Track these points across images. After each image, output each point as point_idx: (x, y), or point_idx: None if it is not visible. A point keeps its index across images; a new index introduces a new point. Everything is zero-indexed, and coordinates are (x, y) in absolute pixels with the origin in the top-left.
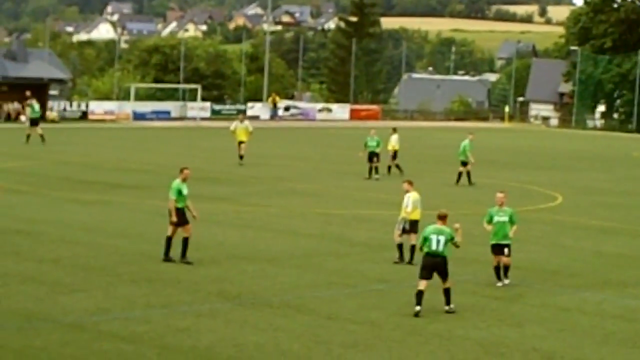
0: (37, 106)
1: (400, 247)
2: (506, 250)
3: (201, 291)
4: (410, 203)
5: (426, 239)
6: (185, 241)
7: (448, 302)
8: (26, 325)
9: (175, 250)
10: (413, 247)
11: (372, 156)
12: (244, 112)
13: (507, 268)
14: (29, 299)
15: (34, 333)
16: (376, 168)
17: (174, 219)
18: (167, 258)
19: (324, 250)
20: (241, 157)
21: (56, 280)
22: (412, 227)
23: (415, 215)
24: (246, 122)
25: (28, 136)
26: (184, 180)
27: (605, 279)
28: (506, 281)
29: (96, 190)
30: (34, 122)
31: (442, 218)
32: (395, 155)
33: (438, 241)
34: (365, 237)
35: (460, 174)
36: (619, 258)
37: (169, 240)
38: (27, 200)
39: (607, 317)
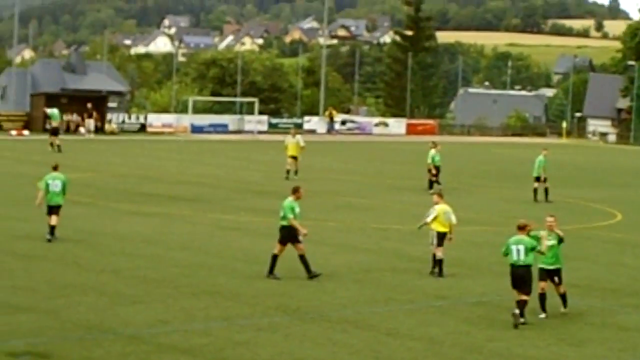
0: (56, 112)
1: (434, 258)
2: (556, 278)
3: (260, 305)
4: (432, 214)
5: (508, 251)
6: (302, 258)
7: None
8: (87, 336)
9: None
10: (437, 260)
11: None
12: (295, 126)
13: (563, 296)
14: (90, 310)
15: (94, 344)
16: (431, 180)
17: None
18: (271, 275)
19: (382, 266)
20: (290, 172)
21: (116, 292)
22: (440, 239)
23: (443, 228)
24: (298, 137)
25: (57, 145)
26: (297, 199)
27: None
28: (563, 310)
29: (155, 202)
30: (54, 132)
31: (522, 228)
32: (436, 170)
33: (518, 251)
34: (423, 252)
35: (536, 190)
36: None
37: (274, 257)
38: (87, 212)
39: None
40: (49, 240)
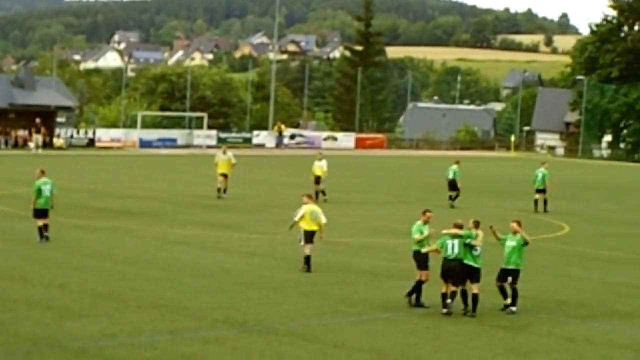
0: None
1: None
2: (510, 278)
3: (207, 318)
4: (299, 213)
5: (443, 245)
6: (419, 285)
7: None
8: (33, 351)
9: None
10: (305, 257)
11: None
12: (225, 142)
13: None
14: (36, 324)
15: (40, 358)
16: (450, 196)
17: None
18: (417, 304)
19: (330, 279)
20: (223, 190)
21: (63, 306)
22: (307, 237)
23: (310, 227)
24: (229, 153)
25: None
26: (425, 222)
27: (612, 309)
28: (513, 309)
29: (103, 216)
30: None
31: (458, 227)
32: (318, 180)
33: (453, 245)
34: (371, 265)
35: (537, 202)
36: (626, 288)
37: (419, 284)
38: (34, 226)
39: (615, 347)
40: (47, 238)
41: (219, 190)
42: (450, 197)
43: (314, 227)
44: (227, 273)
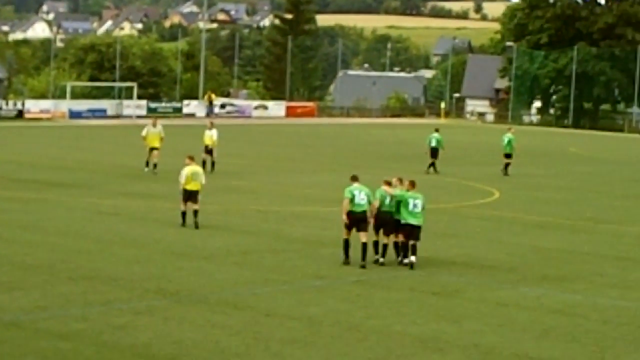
0: None
1: (183, 214)
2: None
3: (138, 289)
4: (184, 175)
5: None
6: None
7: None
8: None
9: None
10: (183, 214)
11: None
12: (155, 114)
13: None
14: None
15: None
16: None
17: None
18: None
19: (261, 247)
20: (154, 165)
21: None
22: (190, 196)
23: (194, 187)
24: (159, 127)
25: None
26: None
27: (543, 274)
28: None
29: (33, 188)
30: None
31: (388, 183)
32: (208, 149)
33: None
34: (302, 233)
35: (507, 165)
36: (557, 253)
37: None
38: None
39: (546, 311)
40: None
41: (147, 164)
42: (432, 165)
43: (197, 187)
44: (158, 243)
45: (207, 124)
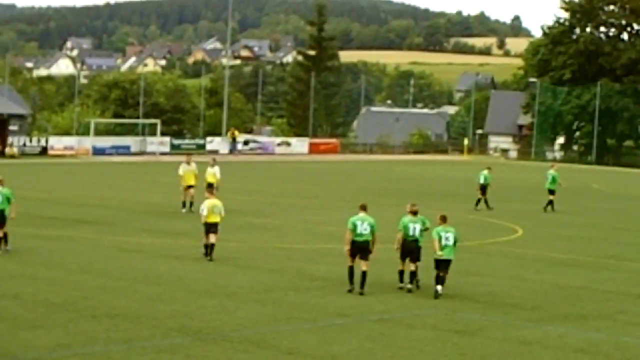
0: None
1: (205, 247)
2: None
3: (161, 326)
4: (205, 208)
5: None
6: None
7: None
8: None
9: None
10: (206, 246)
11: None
12: (184, 151)
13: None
14: None
15: None
16: (485, 200)
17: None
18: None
19: (284, 285)
20: (191, 204)
21: (16, 316)
22: (210, 228)
23: (214, 219)
24: (193, 164)
25: None
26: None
27: (566, 312)
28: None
29: (56, 225)
30: None
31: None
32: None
33: (414, 228)
34: (325, 271)
35: (551, 202)
36: (579, 291)
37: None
38: None
39: (569, 350)
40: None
41: (184, 204)
42: (484, 201)
43: (216, 219)
44: (181, 281)
45: (209, 161)
